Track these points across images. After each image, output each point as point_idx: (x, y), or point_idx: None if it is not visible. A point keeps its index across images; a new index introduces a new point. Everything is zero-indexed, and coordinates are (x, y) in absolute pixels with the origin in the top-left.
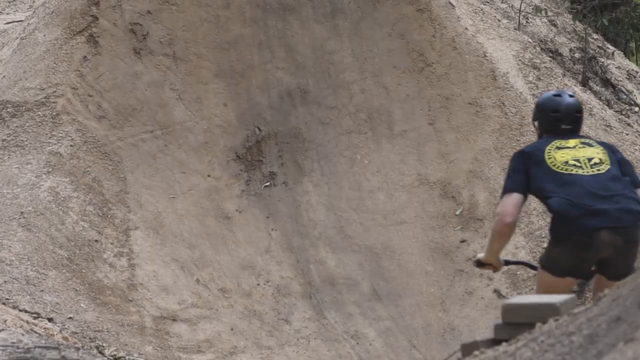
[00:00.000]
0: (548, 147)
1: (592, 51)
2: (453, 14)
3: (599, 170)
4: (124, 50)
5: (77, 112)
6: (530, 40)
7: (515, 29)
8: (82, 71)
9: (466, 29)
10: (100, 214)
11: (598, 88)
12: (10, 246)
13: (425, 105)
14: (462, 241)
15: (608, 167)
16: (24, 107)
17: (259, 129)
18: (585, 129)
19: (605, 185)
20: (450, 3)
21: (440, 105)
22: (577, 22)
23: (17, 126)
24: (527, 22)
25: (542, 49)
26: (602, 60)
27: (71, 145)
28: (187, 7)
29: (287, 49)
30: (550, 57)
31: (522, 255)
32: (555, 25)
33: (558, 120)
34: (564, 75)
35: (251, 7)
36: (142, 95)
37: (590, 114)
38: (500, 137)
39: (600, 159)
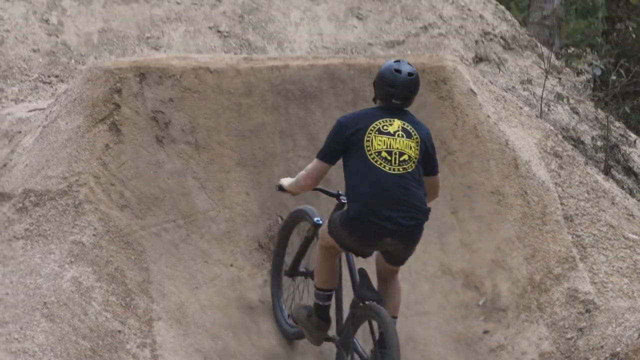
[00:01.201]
0: (370, 128)
1: (614, 139)
2: (475, 102)
3: (404, 169)
4: (146, 139)
5: (100, 201)
6: (552, 128)
7: (537, 116)
8: (104, 159)
9: (488, 116)
10: (123, 304)
11: (620, 176)
12: (33, 337)
13: (448, 194)
14: (485, 332)
15: (413, 167)
16: (46, 196)
17: (281, 218)
18: (607, 217)
19: (403, 189)
20: (472, 90)
21: (462, 194)
22: (599, 109)
23: (39, 215)
24: (549, 109)
25: (564, 136)
26: (624, 148)
27: (94, 235)
28: (208, 94)
29: (309, 136)
30: (572, 145)
31: (545, 347)
32: (577, 113)
33: (391, 95)
34: (586, 163)
35: (273, 94)
36: (165, 184)
37: (613, 203)
38: (523, 226)
39: (410, 156)
